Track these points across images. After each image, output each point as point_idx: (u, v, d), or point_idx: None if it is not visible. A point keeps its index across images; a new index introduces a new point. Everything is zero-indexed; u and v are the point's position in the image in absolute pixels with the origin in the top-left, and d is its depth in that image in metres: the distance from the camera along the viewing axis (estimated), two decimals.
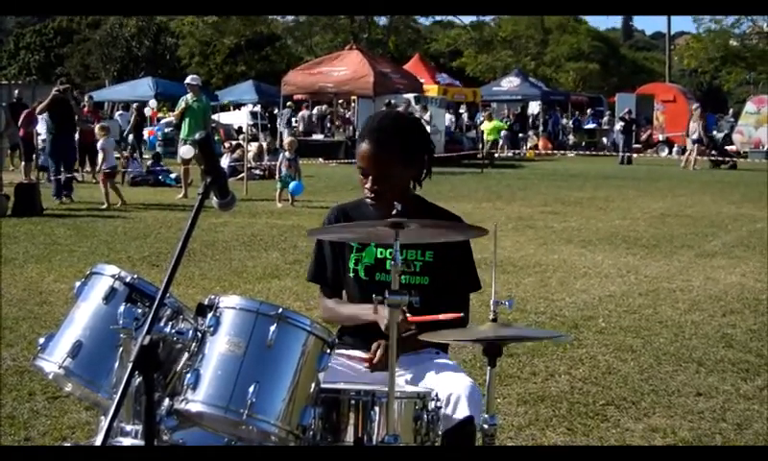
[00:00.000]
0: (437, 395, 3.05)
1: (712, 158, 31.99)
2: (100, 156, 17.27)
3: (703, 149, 31.49)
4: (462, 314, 3.40)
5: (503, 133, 35.29)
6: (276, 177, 17.83)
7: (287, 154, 17.57)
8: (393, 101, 27.45)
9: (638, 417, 5.54)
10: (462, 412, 3.22)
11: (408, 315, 3.28)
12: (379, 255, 3.66)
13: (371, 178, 3.59)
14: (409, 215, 3.00)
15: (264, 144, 25.84)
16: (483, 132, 33.27)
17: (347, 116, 35.59)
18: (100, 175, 17.62)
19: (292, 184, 16.82)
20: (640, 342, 7.30)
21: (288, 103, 36.67)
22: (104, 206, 15.96)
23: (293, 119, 37.09)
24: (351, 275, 3.69)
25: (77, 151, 19.59)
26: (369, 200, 3.64)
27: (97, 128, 18.36)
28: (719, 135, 34.68)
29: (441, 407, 3.06)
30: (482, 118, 35.12)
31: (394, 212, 3.05)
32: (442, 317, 3.27)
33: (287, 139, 19.74)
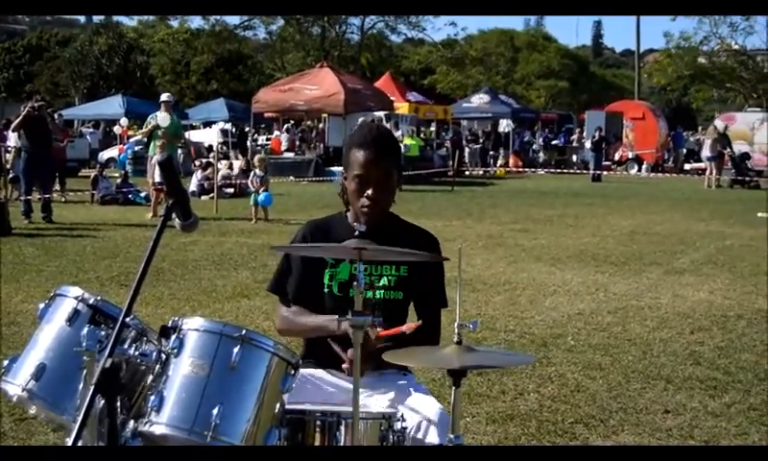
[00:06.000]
0: (402, 415, 3.04)
1: (732, 177, 31.87)
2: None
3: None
4: (421, 322, 3.37)
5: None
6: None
7: (258, 171, 17.61)
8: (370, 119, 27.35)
9: (607, 435, 5.57)
10: (432, 437, 3.22)
11: (379, 330, 3.24)
12: (354, 271, 3.61)
13: (372, 187, 3.51)
14: (383, 232, 3.00)
15: (240, 162, 25.83)
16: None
17: (318, 133, 35.57)
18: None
19: (261, 195, 16.98)
20: (609, 360, 7.33)
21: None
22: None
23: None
24: (326, 291, 3.63)
25: (54, 171, 19.27)
26: (365, 209, 3.50)
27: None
28: (737, 153, 33.96)
29: (407, 428, 3.04)
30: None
31: (356, 234, 3.05)
32: (405, 328, 3.26)
33: (258, 157, 19.80)
